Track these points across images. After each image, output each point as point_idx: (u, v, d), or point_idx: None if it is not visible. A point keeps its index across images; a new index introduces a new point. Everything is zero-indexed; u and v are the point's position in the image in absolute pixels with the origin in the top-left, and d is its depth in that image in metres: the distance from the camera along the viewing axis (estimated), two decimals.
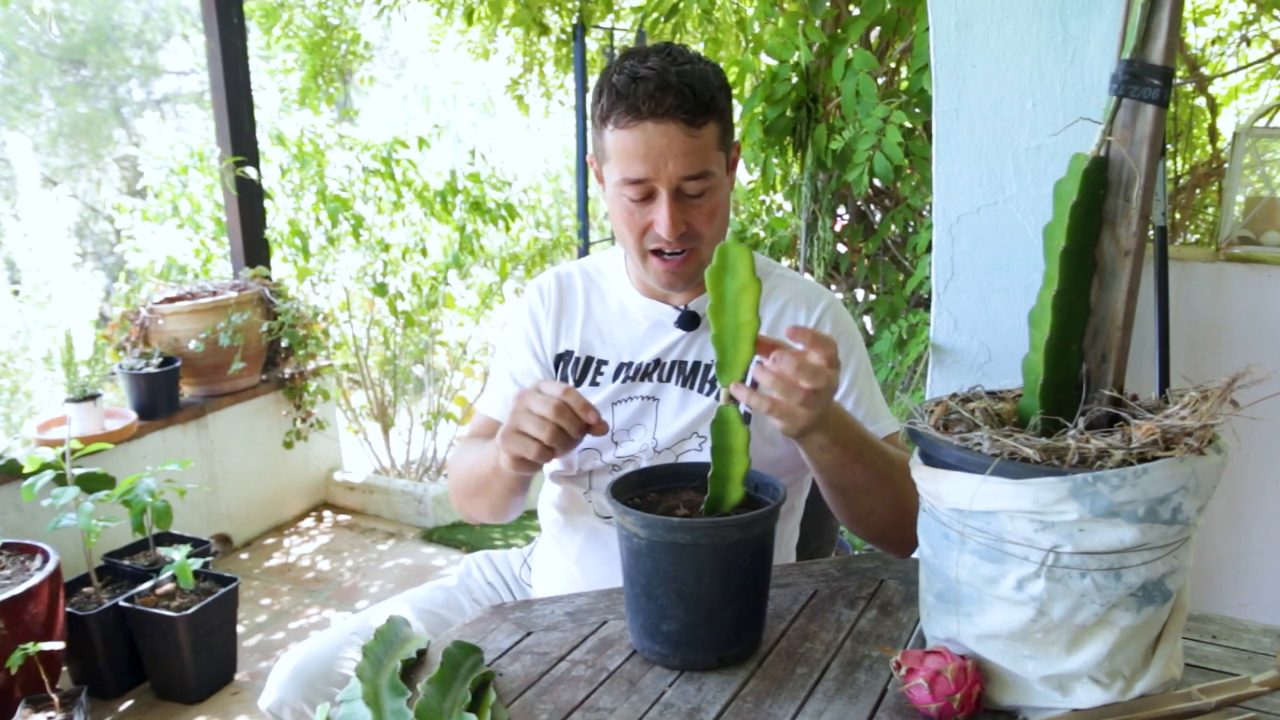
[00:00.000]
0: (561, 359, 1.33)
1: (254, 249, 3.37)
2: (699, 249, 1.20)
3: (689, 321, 1.28)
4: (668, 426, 1.26)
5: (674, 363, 1.28)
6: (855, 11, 2.24)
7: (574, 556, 1.30)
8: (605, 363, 1.31)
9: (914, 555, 1.20)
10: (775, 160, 2.40)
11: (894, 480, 1.10)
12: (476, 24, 3.96)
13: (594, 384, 1.30)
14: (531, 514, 3.39)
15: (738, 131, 2.41)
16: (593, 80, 3.94)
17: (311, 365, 3.42)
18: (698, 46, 3.58)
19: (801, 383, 0.95)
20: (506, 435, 1.06)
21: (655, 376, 1.28)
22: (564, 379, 1.32)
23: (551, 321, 1.34)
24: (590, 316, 1.33)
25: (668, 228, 1.15)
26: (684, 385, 1.27)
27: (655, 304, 1.30)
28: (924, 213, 2.31)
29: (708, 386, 1.26)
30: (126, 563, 2.48)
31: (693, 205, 1.17)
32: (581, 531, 1.30)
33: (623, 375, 1.29)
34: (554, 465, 1.31)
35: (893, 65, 2.38)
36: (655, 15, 2.65)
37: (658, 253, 1.20)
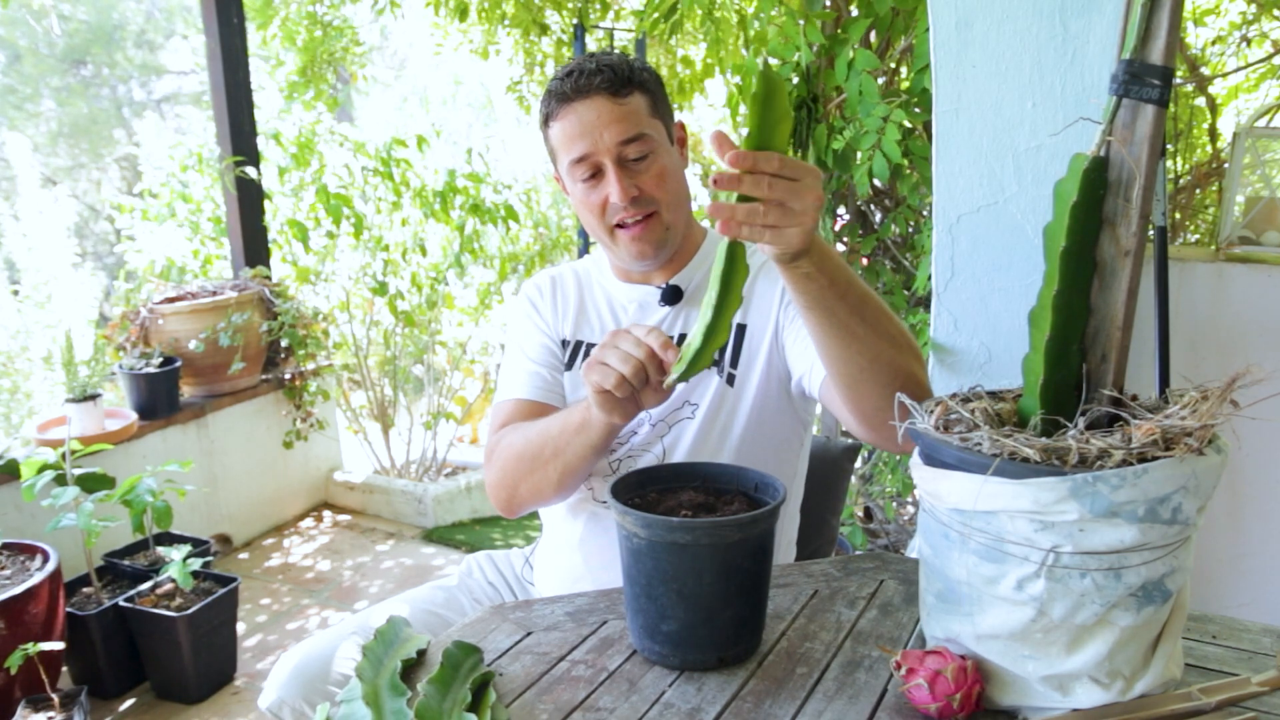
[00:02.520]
0: (564, 345, 1.39)
1: (254, 249, 3.37)
2: (659, 213, 1.26)
3: (672, 296, 1.33)
4: None
5: None
6: (855, 12, 2.24)
7: (575, 543, 1.31)
8: (594, 345, 1.32)
9: (914, 555, 1.20)
10: None
11: (888, 325, 1.04)
12: (476, 24, 3.96)
13: None
14: (531, 514, 3.39)
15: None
16: None
17: (311, 365, 3.42)
18: (698, 46, 3.58)
19: (792, 204, 0.88)
20: (590, 365, 1.07)
21: None
22: (566, 365, 1.37)
23: (549, 311, 1.40)
24: (582, 308, 1.40)
25: (619, 193, 1.22)
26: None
27: (638, 287, 1.36)
28: (924, 213, 2.31)
29: None
30: (126, 563, 2.48)
31: (638, 170, 1.24)
32: (581, 517, 1.31)
33: None
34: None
35: (893, 65, 2.38)
36: (655, 16, 2.65)
37: (621, 226, 1.26)
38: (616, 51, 1.28)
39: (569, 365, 1.37)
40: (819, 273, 0.96)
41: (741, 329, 1.30)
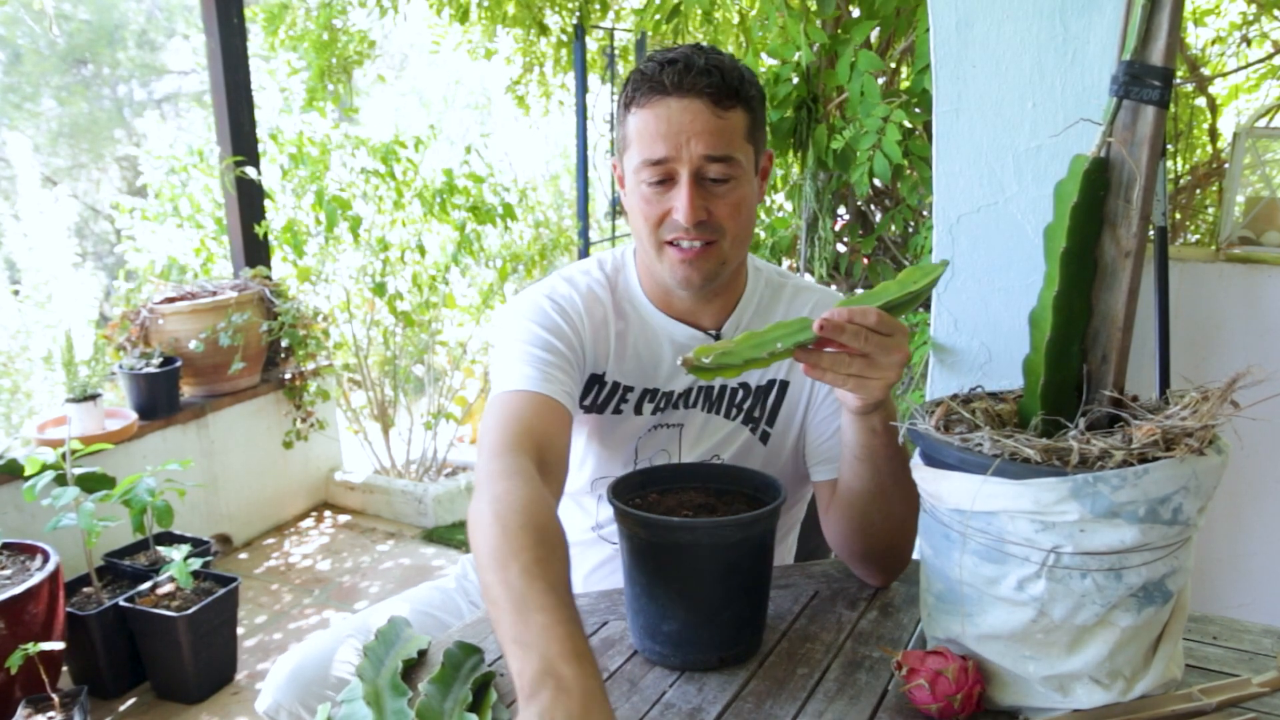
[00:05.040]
0: (596, 380, 1.23)
1: (254, 249, 3.37)
2: (720, 244, 1.12)
3: None
4: (690, 450, 1.25)
5: (699, 388, 1.23)
6: (856, 12, 2.24)
7: (581, 576, 1.30)
8: (630, 389, 1.23)
9: (914, 555, 1.20)
10: (776, 160, 2.40)
11: (914, 492, 1.04)
12: (475, 24, 3.97)
13: (617, 411, 1.22)
14: None
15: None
16: (593, 80, 3.93)
17: (311, 365, 3.42)
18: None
19: (880, 358, 0.91)
20: None
21: (681, 403, 1.24)
22: (592, 404, 1.23)
23: (587, 333, 1.20)
24: (620, 341, 1.22)
25: (687, 212, 1.07)
26: (708, 410, 1.24)
27: (681, 327, 1.22)
28: (924, 213, 2.31)
29: (734, 410, 1.24)
30: (127, 563, 2.48)
31: (715, 194, 1.10)
32: (591, 551, 1.30)
33: (650, 406, 1.23)
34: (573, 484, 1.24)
35: (893, 65, 2.38)
36: (656, 16, 2.65)
37: (674, 243, 1.12)
38: (726, 54, 1.12)
39: (600, 408, 1.21)
40: (884, 429, 1.01)
41: (784, 386, 1.23)
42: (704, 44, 1.14)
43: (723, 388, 1.23)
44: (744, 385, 1.23)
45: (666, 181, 1.09)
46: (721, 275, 1.16)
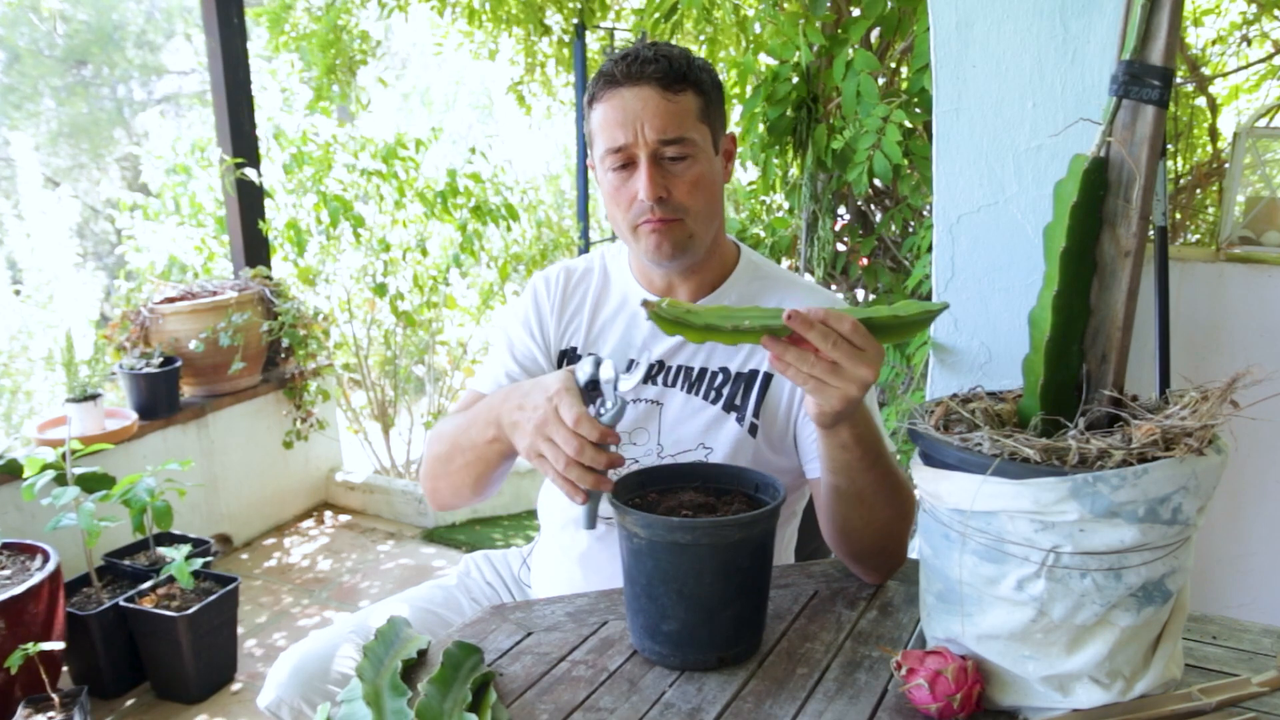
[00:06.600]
0: (565, 356, 1.32)
1: (254, 249, 3.37)
2: (686, 221, 1.19)
3: None
4: (671, 432, 1.25)
5: (680, 367, 1.27)
6: (856, 12, 2.24)
7: (575, 557, 1.30)
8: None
9: (914, 555, 1.20)
10: (775, 160, 2.40)
11: (899, 498, 1.08)
12: (478, 26, 3.97)
13: None
14: (531, 513, 3.39)
15: (738, 130, 2.41)
16: None
17: (312, 365, 3.42)
18: (699, 46, 3.58)
19: (845, 367, 0.90)
20: (529, 452, 1.02)
21: (660, 380, 1.27)
22: None
23: (555, 316, 1.33)
24: (596, 312, 1.32)
25: (647, 189, 1.15)
26: (689, 391, 1.26)
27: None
28: (924, 213, 2.31)
29: (713, 394, 1.25)
30: (127, 563, 2.48)
31: (673, 174, 1.17)
32: (584, 532, 1.30)
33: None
34: None
35: (893, 65, 2.38)
36: (655, 15, 2.65)
37: (646, 222, 1.19)
38: (679, 47, 1.20)
39: None
40: (855, 444, 1.00)
41: (768, 378, 1.25)
42: (659, 41, 1.22)
43: (702, 370, 1.27)
44: (724, 369, 1.25)
45: (629, 166, 1.18)
46: (693, 248, 1.22)
